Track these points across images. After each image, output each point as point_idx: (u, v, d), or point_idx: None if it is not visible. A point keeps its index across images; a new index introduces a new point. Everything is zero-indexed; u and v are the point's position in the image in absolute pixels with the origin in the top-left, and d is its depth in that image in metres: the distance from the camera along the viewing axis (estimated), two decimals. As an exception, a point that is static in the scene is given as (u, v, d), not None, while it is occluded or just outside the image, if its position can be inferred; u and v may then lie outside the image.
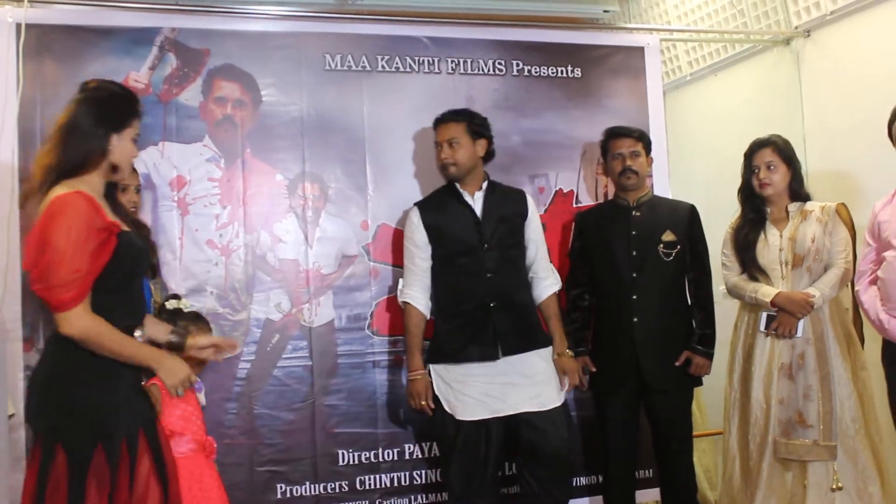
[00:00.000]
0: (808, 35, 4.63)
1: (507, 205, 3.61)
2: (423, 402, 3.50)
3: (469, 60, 3.98)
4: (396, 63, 3.89)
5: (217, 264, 3.61)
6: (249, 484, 3.57)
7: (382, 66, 3.87)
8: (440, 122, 3.57)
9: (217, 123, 3.66)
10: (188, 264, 3.57)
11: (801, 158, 3.94)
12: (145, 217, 3.51)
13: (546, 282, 3.65)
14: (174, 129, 3.60)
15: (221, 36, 3.71)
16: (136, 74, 3.57)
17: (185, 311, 3.17)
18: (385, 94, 3.86)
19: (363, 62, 3.84)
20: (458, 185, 3.58)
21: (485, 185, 3.59)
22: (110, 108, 2.52)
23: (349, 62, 3.82)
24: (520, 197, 3.68)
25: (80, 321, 2.35)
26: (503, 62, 4.03)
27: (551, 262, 3.74)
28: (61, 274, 2.31)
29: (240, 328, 3.62)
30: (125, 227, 2.49)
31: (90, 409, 2.40)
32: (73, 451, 2.36)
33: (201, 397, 3.29)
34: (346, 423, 3.72)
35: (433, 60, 3.94)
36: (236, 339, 3.59)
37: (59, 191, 2.39)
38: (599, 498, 3.97)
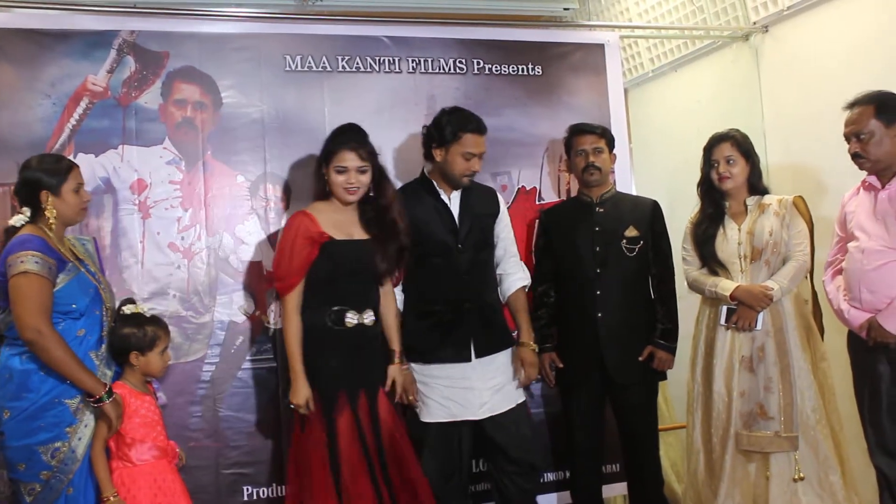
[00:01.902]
0: (766, 30, 4.67)
1: (481, 204, 3.62)
2: (412, 397, 3.48)
3: (430, 59, 3.98)
4: (357, 63, 3.88)
5: (179, 267, 3.59)
6: (215, 487, 3.56)
7: (343, 67, 3.86)
8: (479, 133, 3.50)
9: (177, 126, 3.63)
10: (150, 268, 3.55)
11: (761, 152, 3.98)
12: (105, 221, 3.51)
13: (514, 276, 3.67)
14: (134, 132, 3.57)
15: (180, 38, 3.68)
16: (94, 78, 3.54)
17: (146, 314, 3.14)
18: (346, 95, 3.85)
19: (323, 62, 3.83)
20: (434, 183, 3.57)
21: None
22: (325, 149, 3.33)
23: (309, 63, 3.81)
24: (492, 196, 3.70)
25: (289, 306, 3.23)
26: (464, 61, 4.03)
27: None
28: (280, 271, 3.27)
29: (203, 331, 3.60)
30: (341, 237, 3.27)
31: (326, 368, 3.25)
32: (324, 397, 3.21)
33: (161, 396, 3.27)
34: (312, 424, 3.71)
35: (394, 60, 3.93)
36: (200, 341, 3.59)
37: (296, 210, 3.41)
38: (567, 493, 3.99)
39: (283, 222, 3.71)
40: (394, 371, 3.39)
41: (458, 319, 3.49)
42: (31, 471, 2.87)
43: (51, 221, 2.97)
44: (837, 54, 4.19)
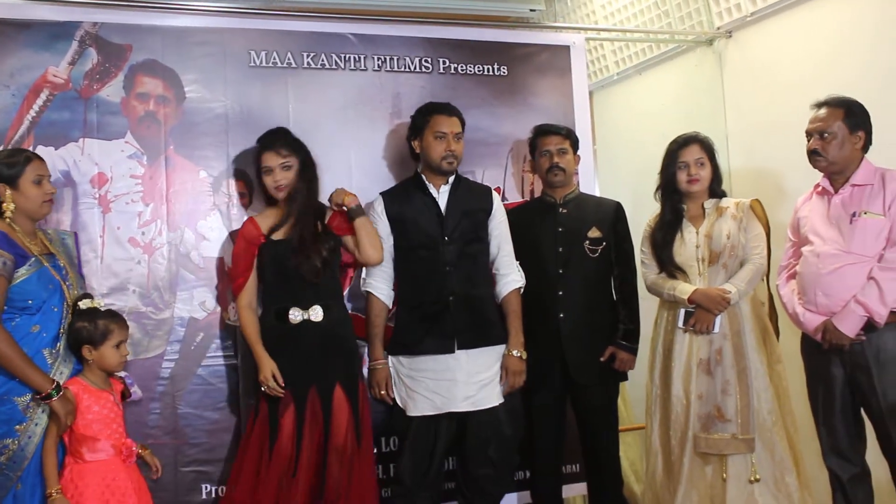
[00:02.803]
0: (730, 36, 4.73)
1: (472, 200, 3.64)
2: (384, 392, 3.54)
3: (395, 58, 3.97)
4: (322, 60, 3.86)
5: (140, 262, 3.56)
6: (174, 484, 3.52)
7: (308, 63, 3.84)
8: (447, 113, 3.58)
9: (139, 120, 3.60)
10: (110, 263, 3.51)
11: (724, 156, 4.02)
12: (65, 214, 3.46)
13: (507, 278, 3.67)
14: (95, 125, 3.54)
15: (144, 31, 3.64)
16: (55, 69, 3.50)
17: (102, 309, 3.11)
18: (310, 92, 3.83)
19: (288, 59, 3.81)
20: (424, 178, 3.60)
21: (451, 179, 3.61)
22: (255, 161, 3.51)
23: (274, 59, 3.79)
24: (485, 192, 3.72)
25: (241, 303, 3.41)
26: (430, 60, 4.03)
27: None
28: (231, 274, 3.50)
29: (163, 327, 3.57)
30: (278, 238, 3.38)
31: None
32: (270, 396, 3.32)
33: (136, 391, 3.26)
34: (273, 421, 3.69)
35: (359, 57, 3.92)
36: (160, 338, 3.56)
37: None
38: (527, 493, 4.00)
39: (246, 219, 3.70)
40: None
41: (442, 311, 3.51)
42: None
43: (7, 216, 2.94)
44: (800, 61, 4.25)
